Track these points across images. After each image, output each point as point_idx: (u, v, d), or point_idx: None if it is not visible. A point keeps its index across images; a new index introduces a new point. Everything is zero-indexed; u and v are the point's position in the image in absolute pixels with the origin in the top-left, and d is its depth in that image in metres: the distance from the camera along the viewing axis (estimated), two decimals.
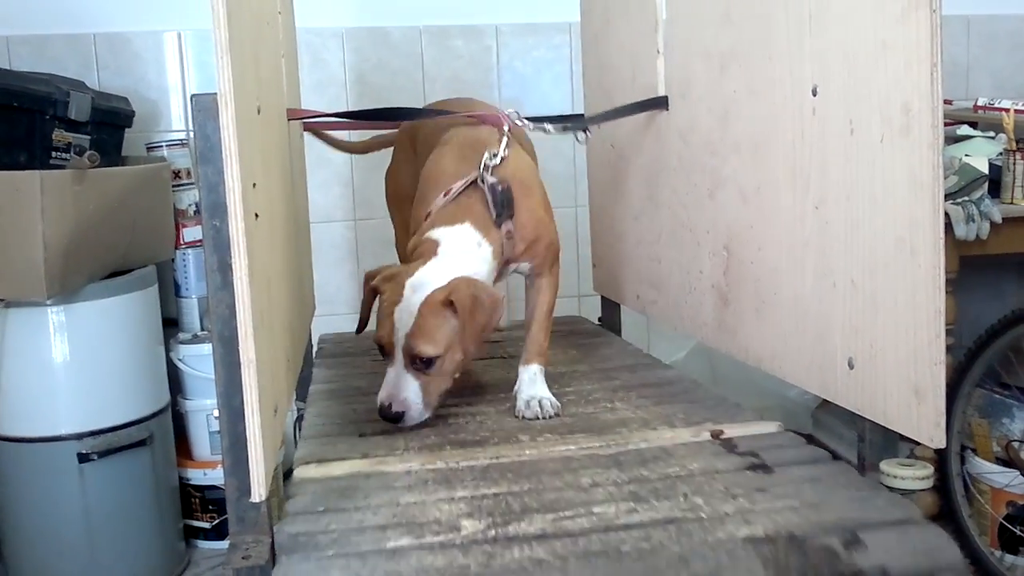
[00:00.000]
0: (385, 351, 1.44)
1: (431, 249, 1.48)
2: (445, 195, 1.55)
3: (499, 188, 1.52)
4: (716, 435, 1.38)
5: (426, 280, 1.43)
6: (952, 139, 2.60)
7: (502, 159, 1.56)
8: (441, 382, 1.45)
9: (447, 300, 1.40)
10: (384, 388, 1.43)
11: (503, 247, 1.52)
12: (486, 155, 1.55)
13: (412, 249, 1.52)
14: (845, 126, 1.20)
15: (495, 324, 1.45)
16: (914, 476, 1.14)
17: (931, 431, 1.07)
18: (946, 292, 2.59)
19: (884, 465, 1.17)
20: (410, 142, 1.96)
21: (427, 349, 1.40)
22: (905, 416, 1.11)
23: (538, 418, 1.49)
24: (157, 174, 2.55)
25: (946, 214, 2.22)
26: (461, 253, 1.48)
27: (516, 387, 1.57)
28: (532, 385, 1.56)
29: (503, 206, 1.52)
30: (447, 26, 2.96)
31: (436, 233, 1.50)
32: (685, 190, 1.73)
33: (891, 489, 1.15)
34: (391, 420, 1.43)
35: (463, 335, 1.40)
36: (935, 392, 1.06)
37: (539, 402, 1.52)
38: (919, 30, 1.04)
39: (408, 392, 1.42)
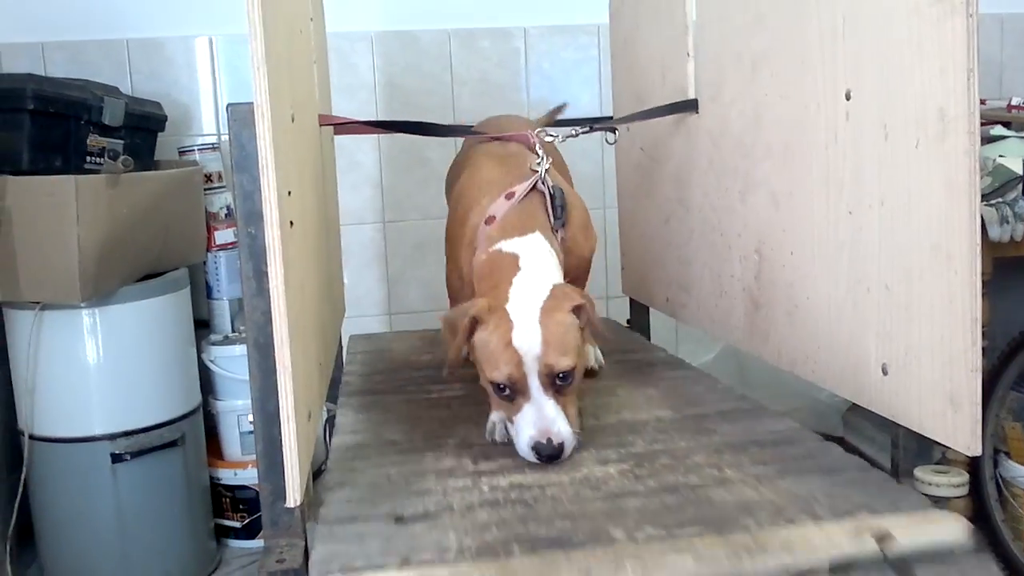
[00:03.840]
0: (515, 388, 1.29)
1: (511, 263, 1.40)
2: (508, 198, 1.50)
3: (555, 189, 1.52)
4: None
5: (532, 295, 1.33)
6: (986, 139, 2.57)
7: (547, 169, 1.56)
8: (575, 399, 1.33)
9: (569, 307, 1.32)
10: (531, 425, 1.26)
11: (560, 259, 1.49)
12: (534, 161, 1.55)
13: (485, 266, 1.45)
14: (879, 131, 1.19)
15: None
16: (949, 483, 1.13)
17: (967, 439, 1.06)
18: (982, 294, 2.55)
19: (919, 472, 1.16)
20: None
21: (566, 361, 1.27)
22: (940, 424, 1.10)
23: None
24: (189, 178, 2.58)
25: (980, 216, 2.22)
26: (542, 264, 1.42)
27: None
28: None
29: (562, 210, 1.51)
30: (475, 29, 2.97)
31: (510, 246, 1.43)
32: (716, 193, 1.72)
33: (925, 495, 1.14)
34: (552, 457, 1.26)
35: (594, 331, 1.33)
36: (971, 400, 1.05)
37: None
38: (955, 34, 1.04)
39: (559, 419, 1.27)
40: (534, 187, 1.53)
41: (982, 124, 2.57)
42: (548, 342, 1.27)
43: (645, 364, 1.85)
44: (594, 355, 1.70)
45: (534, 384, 1.27)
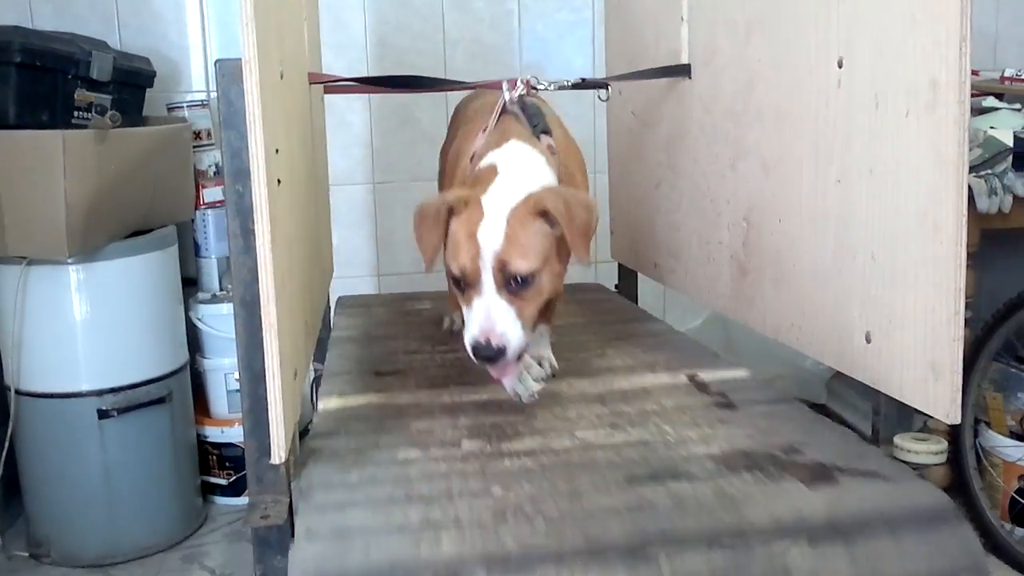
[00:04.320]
0: (467, 280, 1.25)
1: (490, 172, 1.34)
2: (483, 131, 1.49)
3: (526, 102, 1.50)
4: (691, 378, 1.52)
5: (505, 193, 1.28)
6: (978, 111, 2.57)
7: (520, 95, 1.54)
8: (536, 304, 1.27)
9: (539, 209, 1.26)
10: (474, 323, 1.23)
11: (550, 160, 1.43)
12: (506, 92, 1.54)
13: (469, 179, 1.41)
14: (870, 99, 1.19)
15: (595, 226, 1.30)
16: (928, 451, 1.14)
17: (947, 407, 1.07)
18: (968, 266, 2.58)
19: (898, 439, 1.17)
20: (456, 118, 1.95)
21: (523, 264, 1.23)
22: (921, 391, 1.11)
23: (540, 379, 1.41)
24: (178, 135, 2.56)
25: (968, 187, 2.22)
26: (523, 165, 1.36)
27: None
28: (536, 344, 1.50)
29: (537, 117, 1.48)
30: None
31: (487, 160, 1.38)
32: (706, 159, 1.72)
33: (904, 463, 1.16)
34: (490, 359, 1.23)
35: (571, 241, 1.26)
36: (952, 368, 1.06)
37: (539, 361, 1.47)
38: (949, 4, 1.03)
39: (505, 321, 1.22)
40: (503, 112, 1.51)
41: (974, 95, 2.57)
42: (511, 241, 1.23)
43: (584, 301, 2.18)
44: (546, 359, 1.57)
45: (487, 280, 1.23)
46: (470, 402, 1.45)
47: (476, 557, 0.98)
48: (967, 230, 1.05)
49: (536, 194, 1.27)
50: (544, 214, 1.26)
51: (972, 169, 2.30)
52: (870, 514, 1.04)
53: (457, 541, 1.00)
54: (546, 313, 1.53)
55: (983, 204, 2.23)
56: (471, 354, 1.23)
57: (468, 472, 1.17)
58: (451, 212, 1.28)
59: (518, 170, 1.34)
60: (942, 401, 1.08)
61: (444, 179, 1.75)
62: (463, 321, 1.31)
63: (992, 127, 2.43)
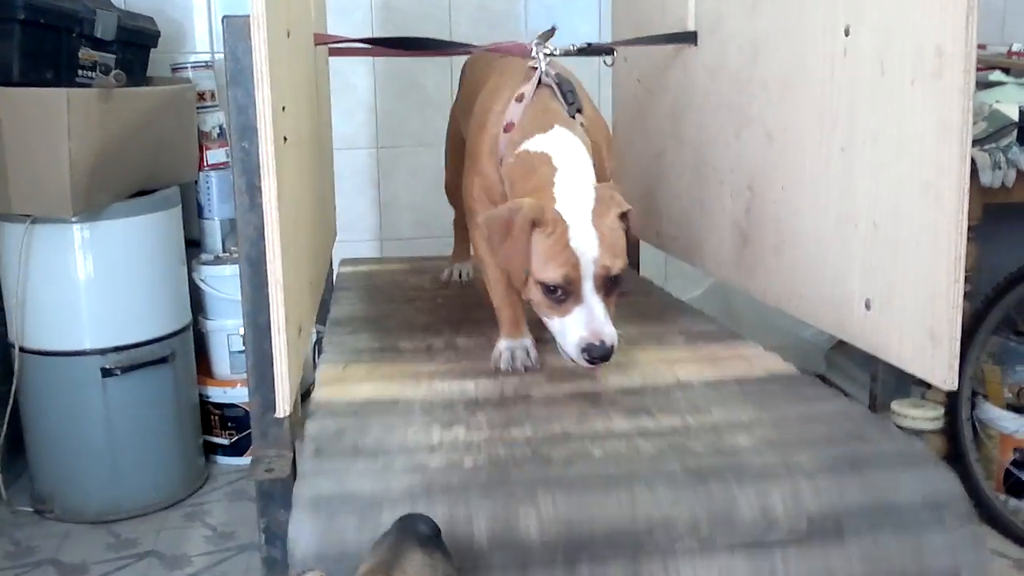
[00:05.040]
0: (567, 289, 1.29)
1: (545, 163, 1.37)
2: (518, 100, 1.48)
3: (561, 77, 1.51)
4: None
5: (578, 198, 1.32)
6: (984, 84, 2.56)
7: (547, 64, 1.54)
8: (615, 299, 1.34)
9: (619, 211, 1.32)
10: (582, 328, 1.28)
11: (588, 145, 1.45)
12: (533, 60, 1.54)
13: (517, 169, 1.42)
14: (876, 67, 1.19)
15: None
16: (924, 416, 1.16)
17: (944, 373, 1.08)
18: (968, 239, 2.57)
19: (895, 405, 1.19)
20: (475, 75, 1.94)
21: (619, 263, 1.29)
22: (919, 358, 1.12)
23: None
24: (182, 95, 2.55)
25: (972, 160, 2.22)
26: (575, 159, 1.39)
27: None
28: None
29: (572, 95, 1.49)
30: None
31: (536, 144, 1.40)
32: (710, 128, 1.72)
33: (901, 428, 1.17)
34: (603, 359, 1.29)
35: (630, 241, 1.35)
36: (950, 335, 1.07)
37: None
38: None
39: (608, 322, 1.29)
40: (540, 83, 1.51)
41: (981, 69, 2.56)
42: (606, 246, 1.28)
43: None
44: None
45: (588, 286, 1.28)
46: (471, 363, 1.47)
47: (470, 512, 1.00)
48: (969, 202, 1.06)
49: (606, 193, 1.33)
50: (620, 214, 1.32)
51: (977, 143, 2.30)
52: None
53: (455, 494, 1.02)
54: None
55: (987, 178, 2.23)
56: (579, 357, 1.28)
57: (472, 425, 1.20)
58: (532, 224, 1.30)
59: (574, 165, 1.37)
60: (940, 368, 1.09)
61: (464, 136, 1.73)
62: (512, 356, 1.45)
63: (998, 101, 2.43)
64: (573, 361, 1.30)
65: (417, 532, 0.83)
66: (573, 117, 1.47)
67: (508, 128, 1.47)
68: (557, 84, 1.50)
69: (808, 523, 1.02)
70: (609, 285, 1.30)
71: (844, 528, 1.02)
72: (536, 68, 1.52)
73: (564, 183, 1.33)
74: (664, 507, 1.02)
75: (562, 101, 1.48)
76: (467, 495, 1.02)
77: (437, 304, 1.86)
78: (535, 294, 1.31)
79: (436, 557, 0.82)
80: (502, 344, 1.47)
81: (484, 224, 1.36)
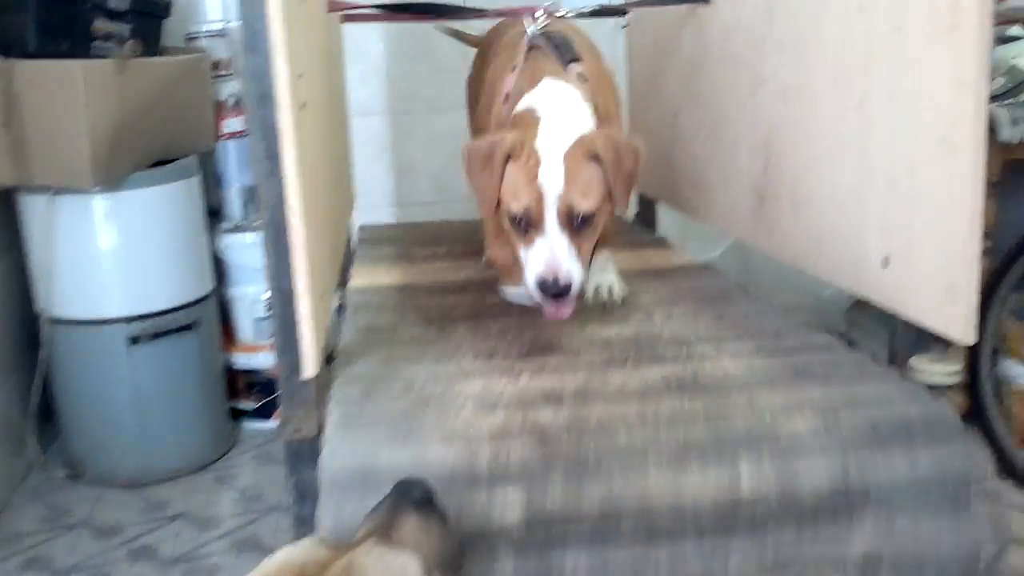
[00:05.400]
0: (530, 221, 1.31)
1: (531, 114, 1.39)
2: (513, 71, 1.51)
3: (552, 32, 1.51)
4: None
5: (558, 137, 1.33)
6: (1002, 40, 2.53)
7: (545, 25, 1.55)
8: (591, 243, 1.34)
9: (592, 152, 1.32)
10: (538, 261, 1.29)
11: (584, 91, 1.46)
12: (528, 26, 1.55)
13: (512, 121, 1.44)
14: (891, 23, 1.18)
15: (639, 173, 1.36)
16: (943, 371, 1.16)
17: (963, 328, 1.09)
18: (987, 195, 2.55)
19: (914, 361, 1.19)
20: (483, 53, 1.94)
21: (586, 203, 1.29)
22: (938, 313, 1.13)
23: (606, 303, 1.51)
24: (197, 64, 2.56)
25: (991, 116, 2.20)
26: (562, 105, 1.40)
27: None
28: (602, 271, 1.57)
29: (565, 48, 1.50)
30: None
31: (523, 104, 1.42)
32: (726, 87, 1.72)
33: (919, 383, 1.18)
34: (557, 296, 1.29)
35: (613, 186, 1.32)
36: (969, 289, 1.08)
37: (609, 288, 1.54)
38: None
39: (570, 259, 1.28)
40: (530, 48, 1.52)
41: (999, 24, 2.53)
42: (573, 182, 1.29)
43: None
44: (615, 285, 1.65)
45: (551, 222, 1.29)
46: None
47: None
48: (988, 159, 1.06)
49: (588, 137, 1.32)
50: (595, 157, 1.31)
51: (995, 98, 2.28)
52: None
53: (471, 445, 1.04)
54: (607, 242, 1.58)
55: (1006, 134, 2.21)
56: (535, 291, 1.29)
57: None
58: (507, 157, 1.32)
59: (559, 111, 1.38)
60: (958, 322, 1.09)
61: (475, 118, 1.76)
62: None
63: (1016, 56, 2.40)
64: (535, 301, 1.31)
65: (412, 496, 0.86)
66: (566, 67, 1.47)
67: (506, 99, 1.49)
68: (548, 41, 1.50)
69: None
70: (577, 224, 1.29)
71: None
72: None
73: (548, 124, 1.34)
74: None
75: (554, 56, 1.49)
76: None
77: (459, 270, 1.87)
78: (506, 224, 1.34)
79: (431, 519, 0.85)
80: (508, 291, 1.49)
81: (467, 153, 1.37)
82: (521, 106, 1.42)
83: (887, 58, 1.20)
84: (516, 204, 1.30)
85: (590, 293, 1.53)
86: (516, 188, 1.31)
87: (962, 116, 1.07)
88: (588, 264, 1.34)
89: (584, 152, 1.31)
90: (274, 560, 0.74)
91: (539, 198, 1.29)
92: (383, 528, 0.82)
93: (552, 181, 1.29)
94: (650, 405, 1.14)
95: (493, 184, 1.33)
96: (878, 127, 1.24)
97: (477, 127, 1.72)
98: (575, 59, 1.49)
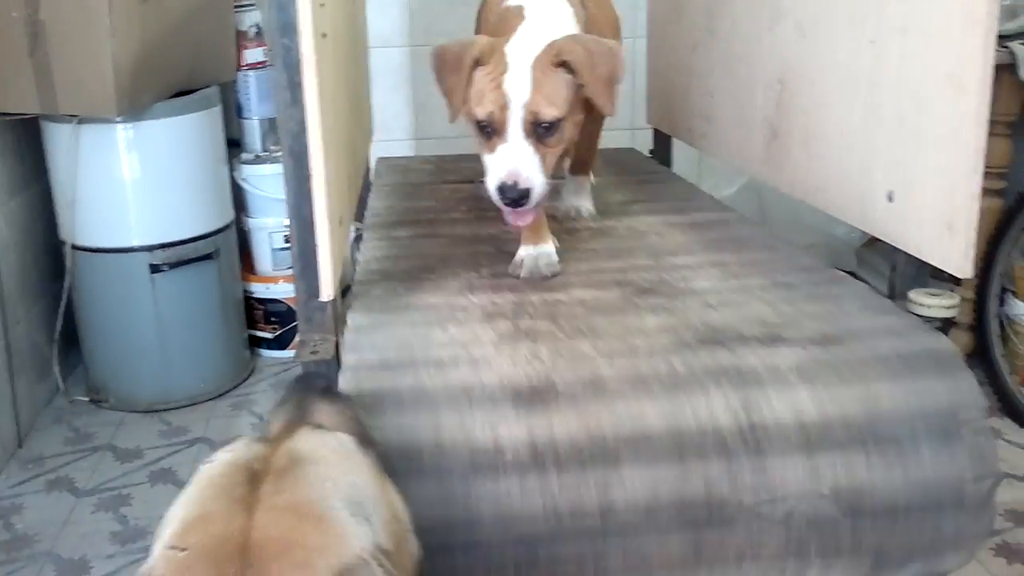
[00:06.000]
0: (493, 127, 1.31)
1: (516, 15, 1.39)
2: None
3: None
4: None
5: (529, 43, 1.32)
6: None
7: None
8: (556, 152, 1.34)
9: (560, 58, 1.30)
10: (500, 166, 1.30)
11: (578, 14, 1.46)
12: None
13: (492, 22, 1.45)
14: None
15: (620, 73, 1.34)
16: (940, 305, 1.19)
17: (960, 262, 1.12)
18: (1003, 135, 2.55)
19: (912, 294, 1.22)
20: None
21: (551, 111, 1.29)
22: (937, 247, 1.16)
23: (574, 220, 1.58)
24: None
25: (1012, 54, 2.19)
26: (552, 14, 1.40)
27: (560, 195, 1.62)
28: (576, 194, 1.64)
29: None
30: None
31: (518, 1, 1.42)
32: (744, 21, 1.72)
33: (917, 316, 1.22)
34: (515, 201, 1.30)
35: (592, 90, 1.32)
36: (967, 225, 1.10)
37: (578, 209, 1.62)
38: None
39: (531, 166, 1.29)
40: None
41: None
42: (538, 89, 1.29)
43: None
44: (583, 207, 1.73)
45: (515, 129, 1.29)
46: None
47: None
48: (1007, 97, 1.07)
49: (557, 43, 1.31)
50: (565, 64, 1.30)
51: (1018, 36, 2.26)
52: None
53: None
54: (587, 163, 1.62)
55: None
56: (496, 196, 1.30)
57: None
58: (476, 62, 1.32)
59: (543, 18, 1.37)
60: (956, 256, 1.12)
61: (479, 13, 1.77)
62: (535, 263, 1.42)
63: None
64: (497, 207, 1.32)
65: (315, 386, 0.87)
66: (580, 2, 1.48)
67: None
68: None
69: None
70: (541, 132, 1.30)
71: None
72: None
73: (526, 31, 1.34)
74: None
75: None
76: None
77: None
78: (471, 129, 1.35)
79: (340, 403, 0.86)
80: (522, 251, 1.46)
81: (435, 55, 1.37)
82: (512, 1, 1.42)
83: None
84: (481, 110, 1.30)
85: (560, 213, 1.60)
86: (482, 94, 1.31)
87: (971, 50, 1.08)
88: (551, 173, 1.34)
89: (553, 58, 1.30)
90: (216, 463, 0.73)
91: (503, 105, 1.29)
92: (298, 420, 0.81)
93: (517, 88, 1.29)
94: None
95: (460, 88, 1.32)
96: (890, 63, 1.25)
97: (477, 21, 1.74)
98: None
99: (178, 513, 0.69)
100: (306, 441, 0.74)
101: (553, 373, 1.09)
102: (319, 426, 0.79)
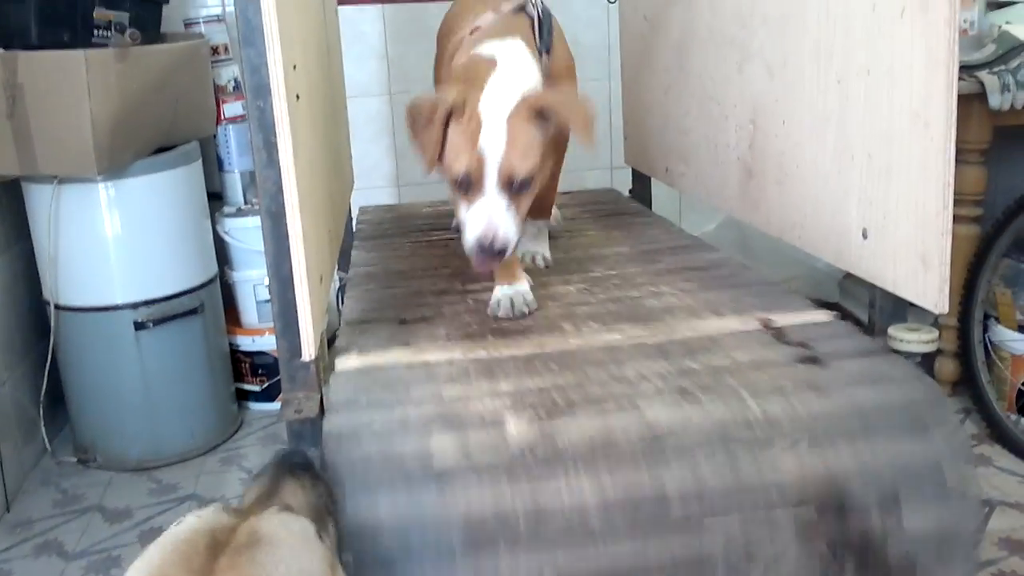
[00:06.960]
0: (470, 182, 1.31)
1: (488, 65, 1.38)
2: (494, 11, 1.51)
3: (545, 15, 1.53)
4: (765, 324, 1.35)
5: (501, 97, 1.33)
6: (994, 5, 2.55)
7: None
8: (528, 202, 1.35)
9: (535, 109, 1.32)
10: (477, 222, 1.30)
11: (541, 64, 1.47)
12: None
13: (462, 67, 1.45)
14: (868, 0, 1.22)
15: (593, 114, 1.36)
16: (919, 340, 1.20)
17: (936, 297, 1.13)
18: (977, 162, 2.58)
19: (892, 330, 1.23)
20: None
21: (525, 165, 1.30)
22: (912, 283, 1.17)
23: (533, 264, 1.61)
24: (196, 50, 2.59)
25: (981, 83, 2.23)
26: (521, 67, 1.40)
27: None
28: (535, 240, 1.67)
29: (548, 34, 1.52)
30: None
31: (488, 48, 1.42)
32: (714, 63, 1.75)
33: (897, 352, 1.22)
34: (494, 257, 1.31)
35: (574, 127, 1.34)
36: (940, 260, 1.11)
37: (533, 255, 1.67)
38: None
39: (507, 223, 1.30)
40: (523, 9, 1.55)
41: None
42: (513, 145, 1.30)
43: (615, 214, 2.16)
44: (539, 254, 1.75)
45: (491, 184, 1.30)
46: (510, 358, 1.32)
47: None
48: (979, 126, 1.09)
49: (531, 96, 1.33)
50: (540, 113, 1.32)
51: (985, 65, 2.30)
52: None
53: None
54: (546, 208, 1.66)
55: (995, 101, 2.24)
56: (474, 250, 1.31)
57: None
58: (449, 116, 1.33)
59: (515, 70, 1.39)
60: (931, 291, 1.13)
61: (440, 42, 1.79)
62: (511, 303, 1.45)
63: (1008, 22, 2.42)
64: (472, 264, 1.33)
65: (291, 463, 0.93)
66: (540, 54, 1.50)
67: (474, 31, 1.50)
68: (539, 18, 1.53)
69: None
70: (515, 187, 1.31)
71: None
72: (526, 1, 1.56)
73: (497, 83, 1.34)
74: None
75: (536, 33, 1.52)
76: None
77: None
78: (447, 182, 1.36)
79: (308, 482, 0.92)
80: (498, 292, 1.48)
81: (409, 109, 1.37)
82: (484, 50, 1.42)
83: (865, 33, 1.23)
84: (458, 166, 1.31)
85: (519, 256, 1.60)
86: (458, 150, 1.32)
87: (934, 89, 1.10)
88: (523, 222, 1.36)
89: (527, 113, 1.32)
90: (183, 526, 0.78)
91: (480, 161, 1.30)
92: (268, 494, 0.88)
93: (493, 145, 1.30)
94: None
95: (434, 144, 1.33)
96: (856, 101, 1.27)
97: (435, 59, 1.77)
98: (548, 51, 1.52)
99: (139, 570, 0.73)
100: (269, 522, 0.80)
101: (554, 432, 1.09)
102: (287, 507, 0.85)
